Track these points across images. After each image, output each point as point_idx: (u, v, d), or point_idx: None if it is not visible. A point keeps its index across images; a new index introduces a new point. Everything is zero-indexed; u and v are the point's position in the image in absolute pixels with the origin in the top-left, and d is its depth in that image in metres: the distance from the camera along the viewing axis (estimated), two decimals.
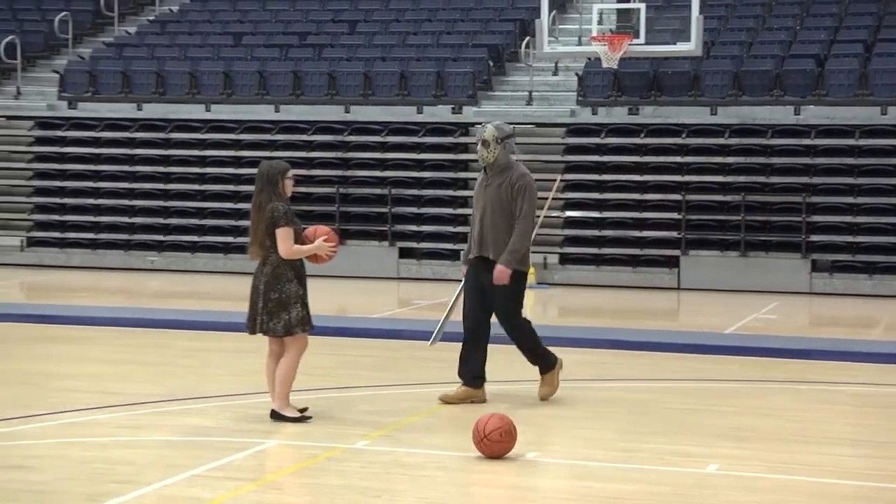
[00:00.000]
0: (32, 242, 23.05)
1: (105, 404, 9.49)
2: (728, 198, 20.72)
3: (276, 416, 8.83)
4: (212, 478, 7.32)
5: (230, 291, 19.19)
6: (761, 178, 20.75)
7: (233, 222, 22.29)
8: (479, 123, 22.28)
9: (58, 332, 14.03)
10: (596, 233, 21.23)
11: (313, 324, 8.96)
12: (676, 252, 20.65)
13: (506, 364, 12.50)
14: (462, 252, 10.26)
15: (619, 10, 21.68)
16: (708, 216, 20.74)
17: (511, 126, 10.05)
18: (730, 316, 16.62)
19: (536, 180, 22.86)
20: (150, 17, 27.31)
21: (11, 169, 23.82)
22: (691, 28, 20.34)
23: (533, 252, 20.81)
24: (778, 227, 20.50)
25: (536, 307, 18.72)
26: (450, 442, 8.43)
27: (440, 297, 18.52)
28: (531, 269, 20.22)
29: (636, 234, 21.04)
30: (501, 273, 9.52)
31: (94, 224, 22.95)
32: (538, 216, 20.64)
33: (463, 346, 9.78)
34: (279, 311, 8.75)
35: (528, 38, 23.12)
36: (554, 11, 22.54)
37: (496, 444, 7.89)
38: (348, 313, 16.34)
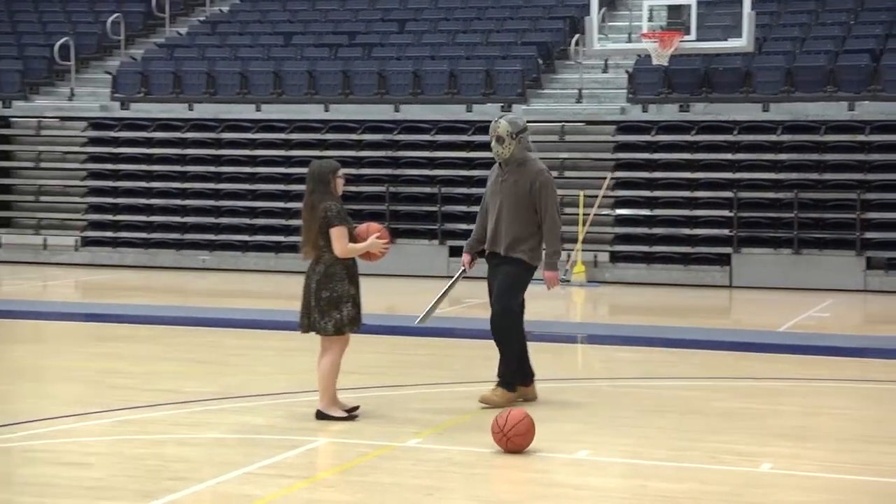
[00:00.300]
0: (86, 242, 23.26)
1: (160, 402, 9.56)
2: (780, 195, 20.57)
3: (321, 415, 8.84)
4: (264, 475, 7.36)
5: (281, 290, 19.29)
6: (814, 175, 20.58)
7: (283, 221, 22.39)
8: (527, 121, 22.29)
9: (112, 330, 14.16)
10: (647, 230, 21.14)
11: (363, 322, 8.96)
12: (728, 250, 20.53)
13: (553, 362, 12.48)
14: (467, 241, 9.95)
15: (669, 7, 21.54)
16: (760, 213, 20.60)
17: (524, 119, 9.87)
18: (782, 314, 16.50)
19: (586, 178, 22.65)
20: (201, 18, 27.49)
21: (66, 170, 24.06)
22: (743, 24, 20.20)
23: (584, 250, 20.83)
24: (831, 224, 20.32)
25: (587, 305, 18.67)
26: None
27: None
28: (581, 268, 20.39)
29: (687, 231, 20.93)
30: (552, 278, 9.56)
31: (147, 224, 23.13)
32: (588, 214, 20.74)
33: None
34: (330, 310, 8.75)
35: (577, 36, 23.05)
36: (604, 8, 22.47)
37: (518, 438, 7.95)
38: (398, 312, 16.37)
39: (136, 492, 6.94)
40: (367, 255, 9.05)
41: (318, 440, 8.31)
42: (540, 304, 18.27)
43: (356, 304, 8.86)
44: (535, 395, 9.69)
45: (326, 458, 7.99)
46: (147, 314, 15.43)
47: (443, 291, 9.94)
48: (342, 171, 9.00)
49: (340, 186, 8.92)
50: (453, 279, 10.04)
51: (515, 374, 9.52)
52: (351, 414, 8.89)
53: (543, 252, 9.64)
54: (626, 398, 10.17)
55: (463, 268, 9.91)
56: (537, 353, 13.09)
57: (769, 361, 12.49)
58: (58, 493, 6.92)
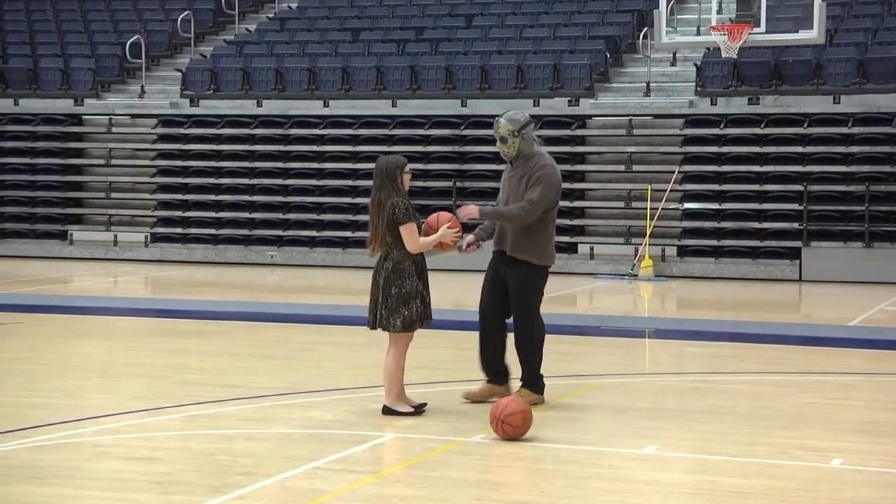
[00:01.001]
0: (156, 238, 23.50)
1: (228, 397, 9.62)
2: (852, 188, 20.32)
3: (388, 411, 8.80)
4: (331, 470, 7.39)
5: (348, 286, 19.37)
6: (886, 168, 20.31)
7: (350, 217, 22.48)
8: (594, 115, 22.23)
9: (182, 326, 14.29)
10: (715, 224, 20.97)
11: (432, 317, 8.91)
12: (798, 243, 20.31)
13: (621, 357, 12.42)
14: (479, 226, 9.57)
15: None
16: (831, 207, 20.36)
17: (526, 114, 9.48)
18: (853, 308, 16.30)
19: (654, 172, 22.51)
20: (270, 15, 27.65)
21: (136, 166, 24.33)
22: (814, 15, 19.92)
23: (652, 244, 20.71)
24: None
25: (654, 300, 18.56)
26: (568, 435, 8.39)
27: (558, 291, 18.47)
28: (649, 262, 20.27)
29: (756, 225, 20.74)
30: (469, 210, 9.03)
31: (216, 220, 23.32)
32: (656, 209, 20.60)
33: (481, 340, 9.35)
34: (399, 307, 8.69)
35: (645, 29, 22.90)
36: (672, 1, 22.30)
37: (515, 428, 8.04)
38: (465, 307, 16.36)
39: (204, 486, 6.98)
40: (441, 245, 8.99)
41: (385, 435, 8.32)
42: (609, 299, 18.23)
43: (424, 301, 8.79)
44: (509, 392, 9.30)
45: (393, 453, 8.00)
46: (215, 310, 15.55)
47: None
48: (409, 166, 8.94)
49: (407, 182, 8.86)
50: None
51: (538, 377, 9.31)
52: (418, 409, 8.87)
53: (550, 251, 9.41)
54: (694, 393, 10.09)
55: (458, 250, 9.27)
56: (606, 349, 13.07)
57: (839, 356, 12.34)
58: (127, 488, 6.98)
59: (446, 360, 11.46)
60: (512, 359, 9.38)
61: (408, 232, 8.69)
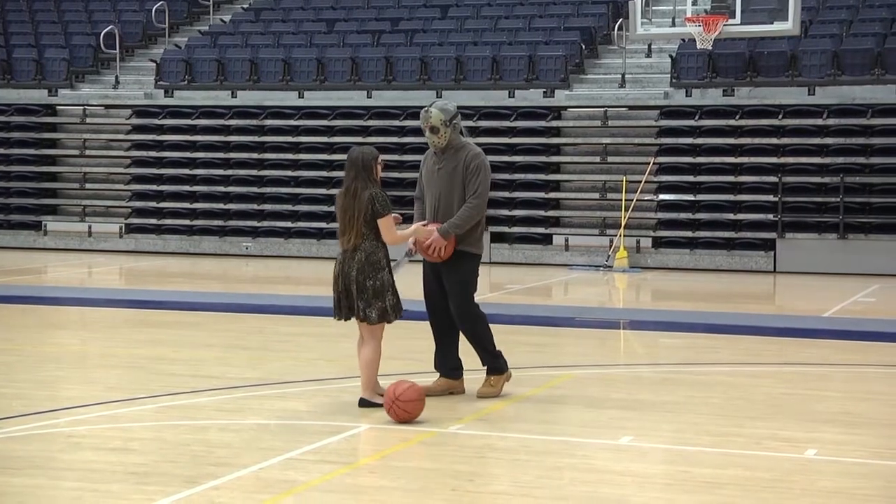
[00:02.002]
0: (130, 229, 23.42)
1: (203, 388, 9.60)
2: (826, 179, 20.41)
3: (365, 403, 8.76)
4: (306, 461, 7.38)
5: (324, 277, 19.27)
6: (861, 159, 20.40)
7: (326, 208, 22.45)
8: (569, 107, 22.25)
9: (157, 317, 14.24)
10: (690, 216, 21.03)
11: (403, 309, 8.88)
12: (773, 235, 20.39)
13: (596, 348, 12.45)
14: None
15: None
16: (805, 198, 20.45)
17: (454, 104, 9.40)
18: (828, 299, 16.37)
19: (629, 163, 22.59)
20: (245, 6, 27.57)
21: (110, 157, 24.23)
22: (789, 7, 20.02)
23: (627, 236, 20.75)
24: (878, 208, 20.15)
25: (630, 291, 18.61)
26: (543, 426, 8.40)
27: (532, 282, 18.50)
28: (624, 253, 20.31)
29: (731, 216, 20.81)
30: (438, 239, 8.97)
31: (190, 211, 23.25)
32: (631, 200, 20.64)
33: (435, 338, 9.30)
34: (375, 299, 8.64)
35: (620, 20, 22.95)
36: None
37: (408, 405, 8.30)
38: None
39: (179, 477, 6.97)
40: (416, 244, 9.01)
41: (361, 426, 8.32)
42: (584, 290, 18.26)
43: (396, 292, 8.78)
44: (463, 388, 9.34)
45: (368, 443, 7.99)
46: (190, 300, 15.51)
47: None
48: (381, 157, 8.95)
49: (380, 173, 8.88)
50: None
51: (497, 357, 9.29)
52: None
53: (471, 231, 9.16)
54: (669, 384, 10.12)
55: (409, 251, 9.26)
56: (581, 340, 13.09)
57: (814, 347, 12.39)
58: (101, 479, 6.96)
59: (420, 350, 11.45)
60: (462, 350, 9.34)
61: (387, 224, 8.69)
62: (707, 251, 20.73)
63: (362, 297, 8.66)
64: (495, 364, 9.31)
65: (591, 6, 24.56)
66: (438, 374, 9.36)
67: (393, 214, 8.79)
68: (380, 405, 8.65)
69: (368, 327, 8.75)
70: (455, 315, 9.21)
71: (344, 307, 8.77)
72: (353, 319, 8.79)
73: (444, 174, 9.20)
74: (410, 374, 10.14)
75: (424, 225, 9.19)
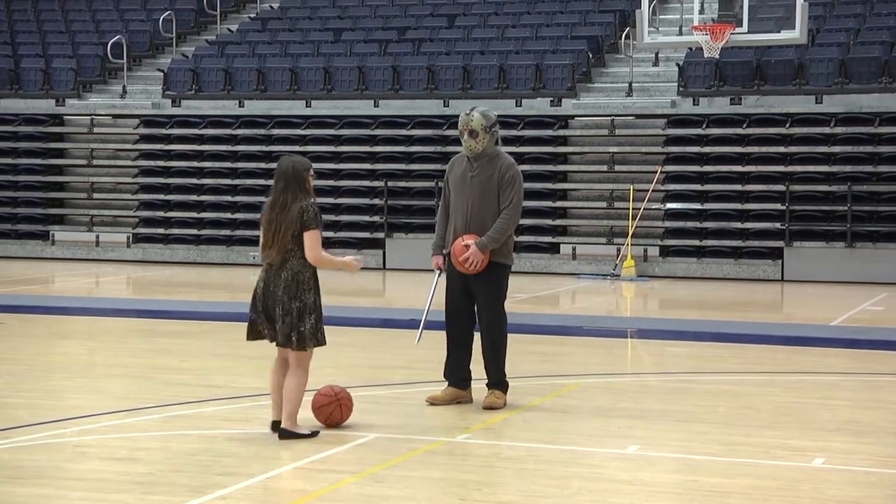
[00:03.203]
0: (138, 239, 23.44)
1: (210, 397, 9.60)
2: (834, 188, 20.39)
3: (286, 434, 8.02)
4: (314, 470, 7.37)
5: (331, 286, 19.28)
6: (868, 168, 20.38)
7: (333, 217, 22.45)
8: (576, 116, 22.25)
9: (164, 326, 14.25)
10: (698, 224, 21.01)
11: (323, 340, 8.16)
12: (780, 243, 20.36)
13: (604, 357, 12.43)
14: (433, 243, 9.39)
15: None
16: (813, 207, 20.42)
17: (496, 113, 9.44)
18: (836, 308, 16.34)
19: (636, 172, 22.59)
20: (252, 15, 27.61)
21: (118, 167, 24.26)
22: (796, 15, 20.00)
23: (634, 245, 20.73)
24: (885, 216, 20.12)
25: (637, 300, 18.58)
26: (550, 435, 8.39)
27: (540, 291, 18.49)
28: (631, 262, 20.29)
29: (738, 225, 20.78)
30: (476, 253, 8.91)
31: (198, 220, 23.27)
32: (638, 209, 20.62)
33: (449, 346, 9.22)
34: (297, 322, 8.03)
35: (627, 29, 22.94)
36: (655, 1, 22.36)
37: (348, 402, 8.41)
38: (439, 306, 16.34)
39: (186, 487, 6.96)
40: (460, 264, 8.90)
41: (368, 436, 8.30)
42: (591, 299, 18.24)
43: (321, 317, 8.13)
44: (470, 398, 9.29)
45: (376, 453, 7.97)
46: (198, 310, 15.52)
47: (428, 305, 9.42)
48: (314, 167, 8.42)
49: (312, 183, 8.27)
50: (433, 288, 9.46)
51: (505, 374, 9.24)
52: (314, 432, 8.15)
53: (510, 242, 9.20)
54: (676, 393, 10.10)
55: (438, 271, 9.32)
56: (588, 349, 13.07)
57: (822, 356, 12.37)
58: (108, 488, 6.95)
59: (427, 360, 11.44)
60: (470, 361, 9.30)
61: (313, 238, 8.06)
62: (714, 260, 20.71)
63: (285, 320, 8.05)
64: (503, 380, 9.27)
65: (598, 15, 24.57)
66: (447, 384, 9.34)
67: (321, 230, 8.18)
68: (305, 435, 8.04)
69: (295, 353, 8.10)
70: (485, 326, 9.17)
71: (268, 329, 8.17)
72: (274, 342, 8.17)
73: (478, 182, 9.12)
74: (418, 383, 10.13)
75: (456, 238, 9.07)
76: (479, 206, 9.09)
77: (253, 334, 8.33)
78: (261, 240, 8.35)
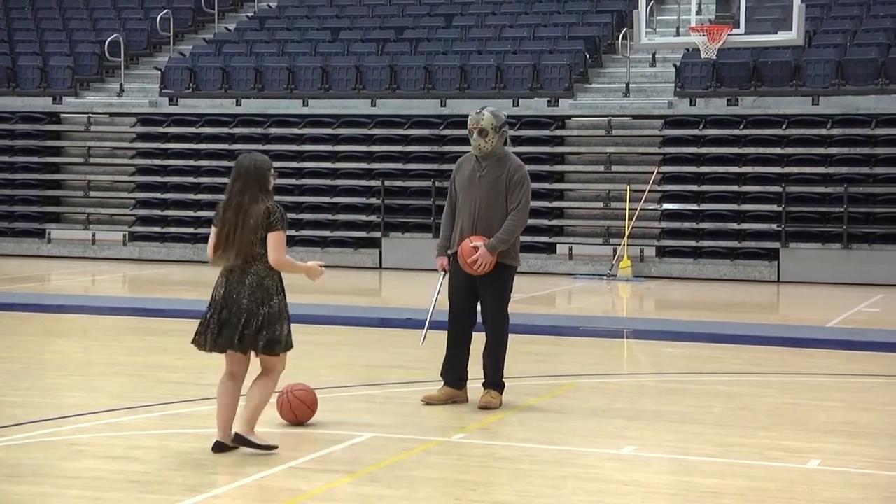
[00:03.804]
0: (134, 237, 23.43)
1: (206, 396, 9.59)
2: (830, 189, 20.41)
3: (240, 440, 7.62)
4: (309, 470, 7.37)
5: (327, 285, 19.30)
6: (865, 169, 20.40)
7: (330, 216, 22.46)
8: (573, 116, 22.26)
9: (159, 325, 14.25)
10: (694, 225, 21.03)
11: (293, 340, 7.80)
12: (776, 244, 20.38)
13: (599, 358, 12.44)
14: (438, 244, 9.34)
15: (718, 0, 21.41)
16: (809, 208, 20.44)
17: (504, 114, 9.43)
18: (832, 309, 16.36)
19: (633, 173, 22.60)
20: (249, 14, 27.61)
21: (115, 165, 24.26)
22: (793, 17, 20.01)
23: (630, 245, 20.74)
24: (882, 218, 20.14)
25: (633, 301, 18.59)
26: (546, 436, 8.40)
27: (536, 291, 18.50)
28: (627, 263, 20.30)
29: (735, 226, 20.80)
30: (485, 255, 8.91)
31: (194, 219, 23.26)
32: (635, 209, 20.64)
33: (449, 346, 9.20)
34: (266, 327, 7.60)
35: (625, 30, 22.96)
36: (652, 2, 22.36)
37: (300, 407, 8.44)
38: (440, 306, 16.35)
39: (181, 486, 6.96)
40: (469, 266, 8.88)
41: (364, 435, 8.31)
42: (587, 299, 18.25)
43: (289, 321, 7.76)
44: (466, 397, 9.29)
45: (371, 452, 7.98)
46: (194, 309, 15.48)
47: (432, 306, 9.43)
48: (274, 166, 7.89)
49: (273, 183, 7.78)
50: (437, 289, 9.44)
51: (503, 375, 9.24)
52: (270, 446, 7.68)
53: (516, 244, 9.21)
54: (672, 394, 10.11)
55: (443, 273, 9.28)
56: (584, 349, 13.08)
57: (817, 357, 12.38)
58: (104, 487, 6.96)
59: (424, 359, 11.45)
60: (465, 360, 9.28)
61: (277, 240, 7.52)
62: (711, 261, 20.72)
63: (251, 325, 7.59)
64: (500, 380, 9.27)
65: (595, 15, 24.58)
66: (442, 383, 9.34)
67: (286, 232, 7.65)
68: (258, 446, 7.62)
69: (267, 358, 7.72)
70: (490, 326, 9.17)
71: (224, 336, 7.66)
72: (229, 351, 7.72)
73: (486, 183, 9.10)
74: (414, 382, 10.14)
75: (462, 238, 9.06)
76: (486, 207, 9.08)
77: (208, 343, 7.75)
78: (211, 241, 7.75)
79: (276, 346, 7.66)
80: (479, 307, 9.28)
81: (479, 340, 9.35)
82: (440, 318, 9.40)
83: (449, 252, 9.27)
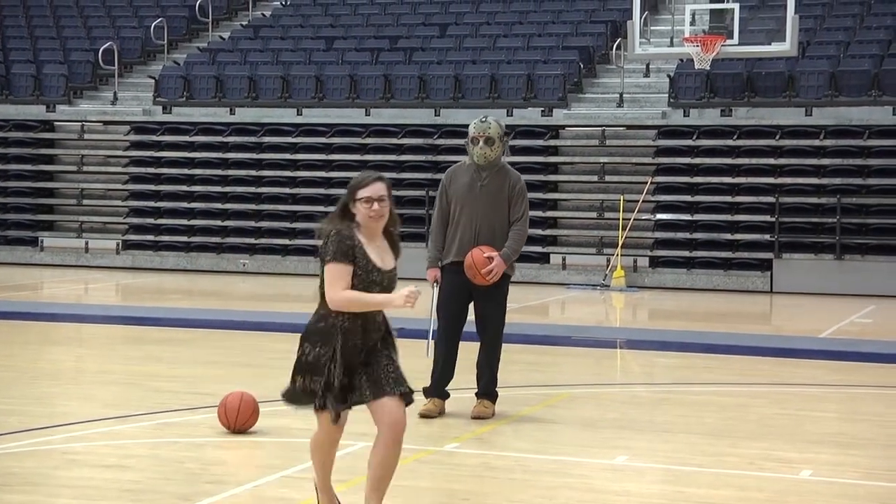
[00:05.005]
0: (128, 245, 23.42)
1: (199, 405, 9.59)
2: (823, 200, 20.44)
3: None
4: (303, 479, 7.37)
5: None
6: (858, 180, 20.44)
7: None
8: (567, 126, 22.29)
9: (152, 334, 14.23)
10: (687, 235, 21.06)
11: (337, 417, 6.20)
12: (769, 255, 20.41)
13: (592, 367, 12.44)
14: (429, 256, 9.17)
15: (712, 11, 21.49)
16: (802, 219, 20.48)
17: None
18: (824, 320, 16.38)
19: (627, 183, 22.69)
20: (244, 23, 27.62)
21: (108, 173, 24.24)
22: (786, 28, 20.09)
23: (624, 255, 20.75)
24: (875, 229, 20.17)
25: (626, 310, 18.60)
26: (539, 445, 8.40)
27: (529, 301, 18.50)
28: (621, 272, 20.32)
29: (728, 236, 20.82)
30: (500, 265, 8.87)
31: (188, 227, 23.25)
32: (628, 219, 20.66)
33: (442, 360, 9.13)
34: (293, 374, 6.36)
35: (619, 40, 23.01)
36: (646, 12, 22.41)
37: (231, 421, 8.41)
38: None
39: (174, 495, 6.96)
40: (482, 276, 8.79)
41: (357, 444, 8.30)
42: (580, 309, 18.26)
43: (328, 387, 6.16)
44: (444, 408, 9.27)
45: (364, 461, 7.96)
46: (187, 317, 15.50)
47: (432, 318, 9.32)
48: (373, 189, 6.16)
49: (365, 212, 6.13)
50: (433, 301, 9.27)
51: (495, 386, 9.25)
52: None
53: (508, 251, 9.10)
54: (664, 404, 10.12)
55: (436, 284, 9.16)
56: (577, 359, 13.09)
57: (809, 367, 12.39)
58: (96, 496, 6.95)
59: (416, 369, 11.45)
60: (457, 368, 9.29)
61: (328, 275, 6.07)
62: (704, 271, 20.74)
63: (295, 369, 6.36)
64: (495, 390, 9.26)
65: (589, 25, 24.62)
66: (431, 398, 9.23)
67: (355, 265, 6.09)
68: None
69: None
70: (490, 336, 9.15)
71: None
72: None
73: (488, 193, 9.04)
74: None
75: (463, 249, 8.99)
76: (488, 218, 9.03)
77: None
78: None
79: (289, 398, 6.37)
80: (471, 317, 9.27)
81: (465, 349, 9.33)
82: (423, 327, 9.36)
83: (442, 264, 9.21)
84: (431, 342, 9.32)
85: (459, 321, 9.21)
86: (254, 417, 8.53)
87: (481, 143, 9.08)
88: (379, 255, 6.21)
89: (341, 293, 6.08)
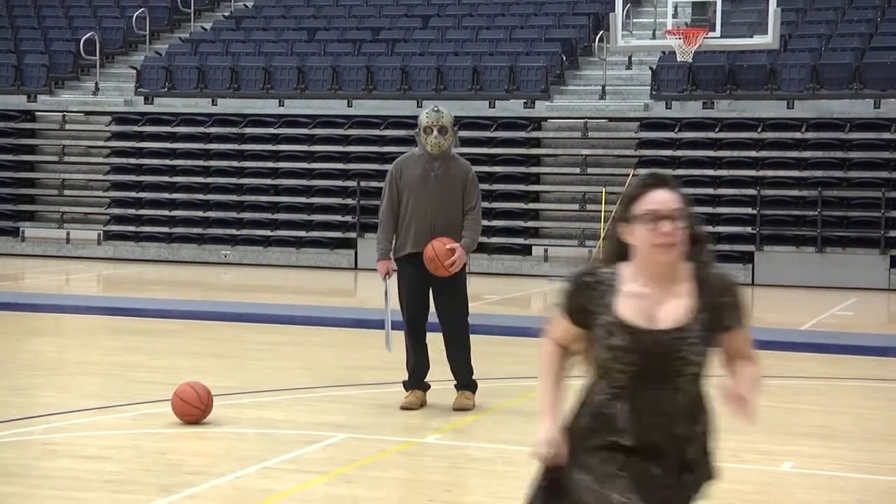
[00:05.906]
0: (109, 236, 23.34)
1: None
2: (805, 193, 20.49)
3: None
4: (283, 470, 7.35)
5: (302, 285, 19.32)
6: (839, 173, 20.49)
7: (305, 217, 22.41)
8: (549, 118, 22.28)
9: (133, 324, 14.19)
10: None
11: None
12: (751, 248, 20.45)
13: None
14: (380, 247, 9.22)
15: (694, 3, 21.50)
16: (784, 211, 20.52)
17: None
18: (805, 312, 16.42)
19: (609, 175, 22.62)
20: (226, 14, 27.54)
21: (90, 164, 24.16)
22: (768, 21, 20.11)
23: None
24: (856, 222, 20.23)
25: None
26: (521, 437, 8.39)
27: (511, 293, 18.51)
28: None
29: (710, 229, 20.83)
30: (463, 256, 8.86)
31: (169, 218, 23.19)
32: (610, 211, 20.64)
33: (416, 351, 9.08)
34: None
35: (601, 32, 23.00)
36: (628, 5, 22.41)
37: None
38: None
39: (154, 486, 6.93)
40: (446, 268, 8.76)
41: (338, 436, 8.30)
42: None
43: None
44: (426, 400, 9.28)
45: (345, 453, 7.97)
46: (168, 308, 15.45)
47: (388, 310, 9.37)
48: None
49: (644, 238, 4.04)
50: (387, 294, 9.35)
51: (472, 375, 9.24)
52: None
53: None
54: None
55: (388, 277, 9.20)
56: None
57: (791, 360, 12.42)
58: (77, 487, 6.92)
59: (399, 360, 11.45)
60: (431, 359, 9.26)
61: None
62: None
63: None
64: (473, 380, 9.24)
65: (572, 18, 24.62)
66: (412, 389, 9.20)
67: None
68: None
69: None
70: (457, 327, 9.12)
71: None
72: None
73: (442, 182, 9.01)
74: (389, 383, 10.12)
75: (420, 240, 8.97)
76: (443, 207, 9.00)
77: None
78: None
79: None
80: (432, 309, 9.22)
81: (438, 340, 9.30)
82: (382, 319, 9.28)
83: (395, 256, 9.15)
84: (390, 333, 9.31)
85: (425, 312, 9.17)
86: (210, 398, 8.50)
87: (435, 132, 9.05)
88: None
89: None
